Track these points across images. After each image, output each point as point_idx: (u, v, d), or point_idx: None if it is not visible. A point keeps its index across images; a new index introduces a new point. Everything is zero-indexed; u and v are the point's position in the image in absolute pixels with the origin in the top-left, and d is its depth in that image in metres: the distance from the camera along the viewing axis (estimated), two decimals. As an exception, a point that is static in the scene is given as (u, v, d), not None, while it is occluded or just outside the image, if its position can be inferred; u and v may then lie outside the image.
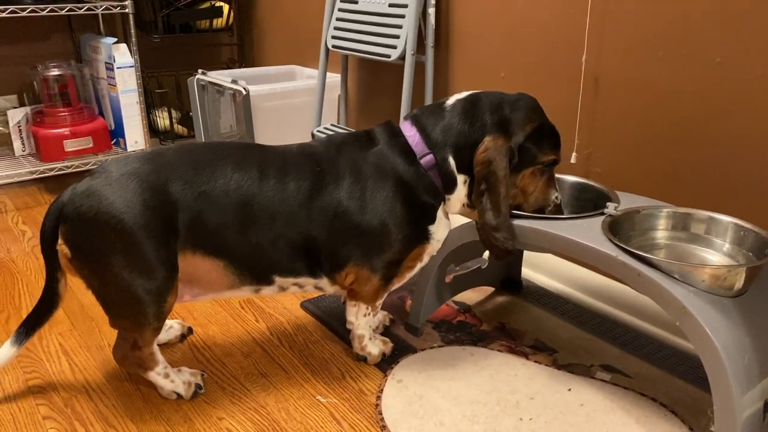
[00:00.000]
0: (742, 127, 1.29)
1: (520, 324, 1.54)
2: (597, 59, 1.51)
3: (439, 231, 1.29)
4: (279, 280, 1.26)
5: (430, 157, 1.25)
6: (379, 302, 1.36)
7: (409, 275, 1.33)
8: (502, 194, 1.20)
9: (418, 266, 1.33)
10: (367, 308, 1.35)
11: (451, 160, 1.25)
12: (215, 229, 1.18)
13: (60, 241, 1.15)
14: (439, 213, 1.28)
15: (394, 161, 1.25)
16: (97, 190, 1.13)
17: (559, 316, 1.58)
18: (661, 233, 1.25)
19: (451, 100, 1.29)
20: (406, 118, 1.31)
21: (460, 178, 1.26)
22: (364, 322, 1.37)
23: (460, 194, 1.27)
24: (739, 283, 1.05)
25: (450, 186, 1.26)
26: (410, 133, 1.27)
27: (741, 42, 1.26)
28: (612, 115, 1.51)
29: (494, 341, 1.47)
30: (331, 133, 2.09)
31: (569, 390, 1.29)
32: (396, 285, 1.35)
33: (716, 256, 1.20)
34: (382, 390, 1.30)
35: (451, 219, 1.33)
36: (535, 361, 1.39)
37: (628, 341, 1.46)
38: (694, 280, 1.04)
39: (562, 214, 1.32)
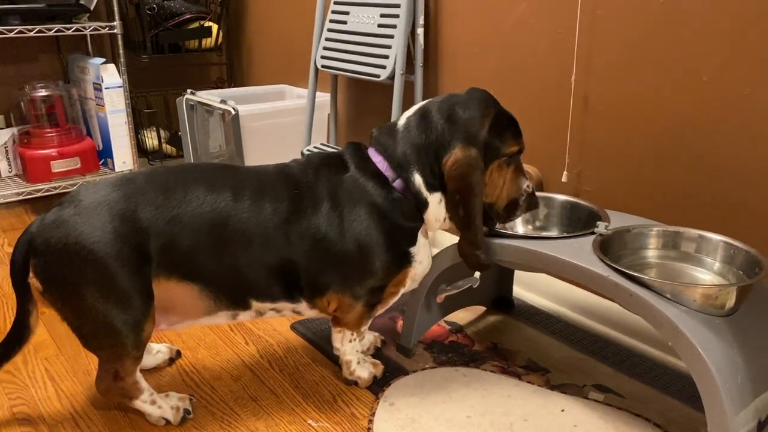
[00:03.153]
0: (729, 145, 1.30)
1: (512, 344, 1.53)
2: (586, 79, 1.52)
3: (421, 253, 1.27)
4: (256, 304, 1.24)
5: (399, 180, 1.23)
6: (364, 328, 1.34)
7: (392, 300, 1.32)
8: (476, 207, 1.18)
9: (402, 291, 1.31)
10: (352, 334, 1.33)
11: (417, 180, 1.22)
12: (188, 253, 1.15)
13: (31, 274, 1.13)
14: (420, 234, 1.26)
15: (367, 187, 1.22)
16: (65, 220, 1.10)
17: (552, 335, 1.57)
18: (652, 252, 1.25)
19: (402, 119, 1.27)
20: (371, 144, 1.28)
21: (432, 197, 1.23)
22: (350, 347, 1.35)
23: (434, 212, 1.25)
24: (730, 302, 1.05)
25: (422, 206, 1.24)
26: (378, 159, 1.25)
27: (727, 61, 1.27)
28: (602, 134, 1.52)
29: (487, 361, 1.46)
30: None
31: (562, 411, 1.28)
32: (380, 311, 1.33)
33: (707, 275, 1.20)
34: (374, 413, 1.28)
35: (438, 239, 1.33)
36: (528, 382, 1.38)
37: (621, 360, 1.45)
38: (686, 300, 1.04)
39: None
